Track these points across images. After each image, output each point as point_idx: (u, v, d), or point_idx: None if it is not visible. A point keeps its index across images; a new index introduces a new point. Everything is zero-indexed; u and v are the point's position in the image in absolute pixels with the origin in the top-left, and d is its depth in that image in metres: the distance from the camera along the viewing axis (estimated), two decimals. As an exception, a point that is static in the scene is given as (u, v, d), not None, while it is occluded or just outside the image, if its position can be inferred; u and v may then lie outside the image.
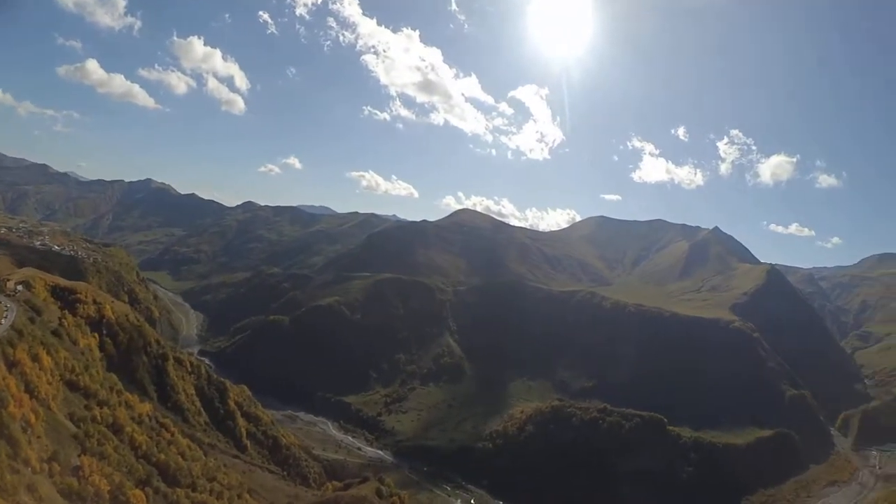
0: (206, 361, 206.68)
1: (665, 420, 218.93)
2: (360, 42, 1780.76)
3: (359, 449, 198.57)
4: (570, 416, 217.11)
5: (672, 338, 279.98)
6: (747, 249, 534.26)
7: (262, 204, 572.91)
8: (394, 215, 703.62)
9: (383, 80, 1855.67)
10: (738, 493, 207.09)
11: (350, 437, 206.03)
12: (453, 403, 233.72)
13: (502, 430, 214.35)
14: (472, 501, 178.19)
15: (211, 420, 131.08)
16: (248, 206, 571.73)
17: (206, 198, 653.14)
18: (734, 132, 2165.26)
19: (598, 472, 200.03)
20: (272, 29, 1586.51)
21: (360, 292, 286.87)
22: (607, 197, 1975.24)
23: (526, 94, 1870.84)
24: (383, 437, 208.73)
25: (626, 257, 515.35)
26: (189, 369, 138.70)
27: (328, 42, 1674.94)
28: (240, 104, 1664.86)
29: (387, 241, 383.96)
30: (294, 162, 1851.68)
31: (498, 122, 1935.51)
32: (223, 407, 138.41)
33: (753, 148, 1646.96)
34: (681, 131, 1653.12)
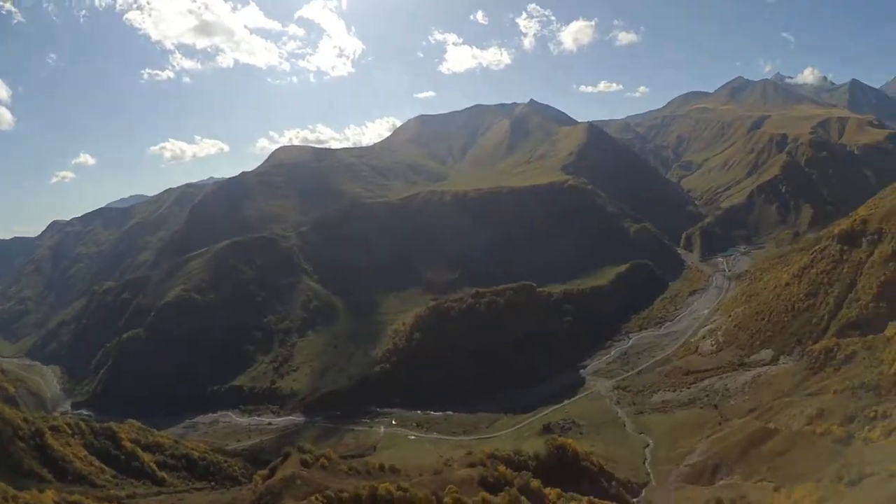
0: (84, 412, 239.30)
1: (534, 284, 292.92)
2: (119, 1, 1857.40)
3: (269, 424, 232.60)
4: (448, 310, 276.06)
5: (516, 210, 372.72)
6: (564, 113, 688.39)
7: (69, 218, 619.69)
8: (210, 178, 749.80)
9: (154, 35, 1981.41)
10: (616, 324, 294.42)
11: (256, 418, 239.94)
12: (337, 342, 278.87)
13: (392, 347, 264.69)
14: (392, 422, 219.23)
15: (117, 471, 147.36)
16: (55, 227, 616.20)
17: (6, 237, 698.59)
18: (531, 6, 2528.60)
19: (489, 351, 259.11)
20: (18, 18, 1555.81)
21: (203, 271, 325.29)
22: (421, 95, 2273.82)
23: (314, 10, 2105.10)
24: (286, 402, 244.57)
25: (454, 149, 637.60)
26: (70, 432, 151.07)
27: (83, 12, 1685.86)
28: (7, 117, 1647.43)
29: (210, 207, 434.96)
30: (86, 159, 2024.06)
31: (291, 46, 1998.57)
32: (121, 452, 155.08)
33: (552, 18, 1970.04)
34: (479, 15, 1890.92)
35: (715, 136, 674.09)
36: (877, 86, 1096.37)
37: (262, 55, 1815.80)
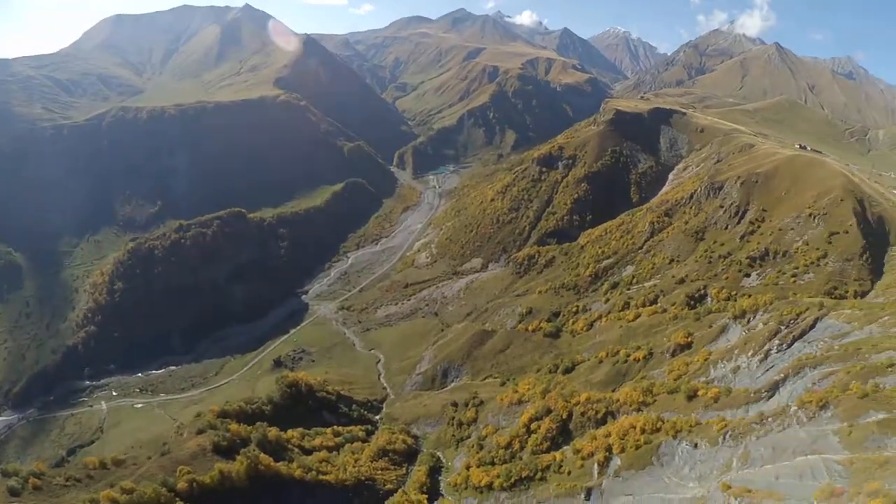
0: None
1: (244, 211, 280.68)
2: None
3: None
4: (151, 250, 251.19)
5: (224, 128, 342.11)
6: (282, 23, 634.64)
7: None
8: None
9: None
10: (335, 245, 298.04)
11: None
12: (30, 311, 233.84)
13: (94, 304, 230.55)
14: (113, 393, 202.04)
15: None
16: None
17: None
18: None
19: (204, 289, 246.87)
20: None
21: None
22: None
23: None
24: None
25: (154, 56, 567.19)
26: None
27: None
28: None
29: None
30: None
31: None
32: None
33: None
34: None
35: (432, 62, 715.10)
36: (586, 37, 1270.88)
37: None
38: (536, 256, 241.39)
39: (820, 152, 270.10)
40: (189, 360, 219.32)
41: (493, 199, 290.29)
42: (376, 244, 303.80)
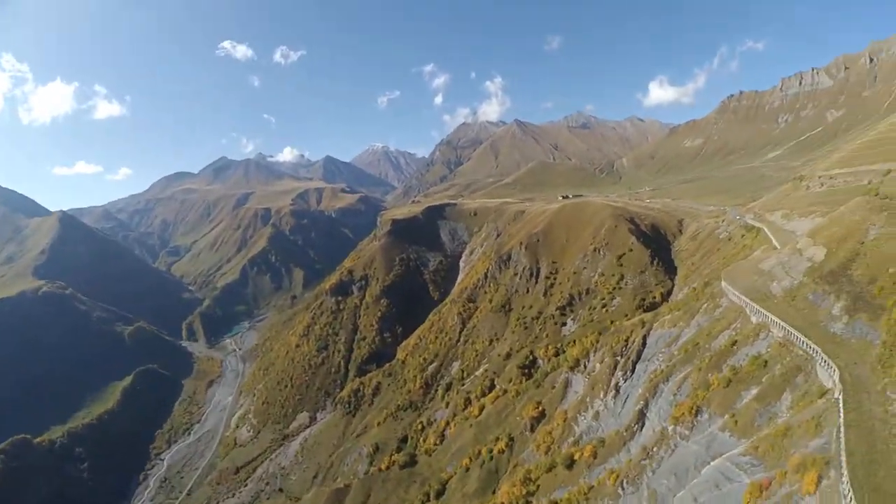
0: None
1: (28, 437, 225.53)
2: None
3: None
4: None
5: None
6: (34, 201, 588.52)
7: None
8: None
9: None
10: (143, 448, 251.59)
11: None
12: None
13: None
14: None
15: None
16: None
17: None
18: (5, 57, 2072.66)
19: None
20: None
21: None
22: None
23: None
24: None
25: None
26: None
27: None
28: None
29: None
30: None
31: None
32: None
33: (29, 76, 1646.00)
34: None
35: (201, 217, 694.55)
36: (347, 160, 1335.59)
37: None
38: (362, 389, 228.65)
39: (582, 195, 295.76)
40: None
41: (298, 345, 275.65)
42: (189, 434, 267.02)
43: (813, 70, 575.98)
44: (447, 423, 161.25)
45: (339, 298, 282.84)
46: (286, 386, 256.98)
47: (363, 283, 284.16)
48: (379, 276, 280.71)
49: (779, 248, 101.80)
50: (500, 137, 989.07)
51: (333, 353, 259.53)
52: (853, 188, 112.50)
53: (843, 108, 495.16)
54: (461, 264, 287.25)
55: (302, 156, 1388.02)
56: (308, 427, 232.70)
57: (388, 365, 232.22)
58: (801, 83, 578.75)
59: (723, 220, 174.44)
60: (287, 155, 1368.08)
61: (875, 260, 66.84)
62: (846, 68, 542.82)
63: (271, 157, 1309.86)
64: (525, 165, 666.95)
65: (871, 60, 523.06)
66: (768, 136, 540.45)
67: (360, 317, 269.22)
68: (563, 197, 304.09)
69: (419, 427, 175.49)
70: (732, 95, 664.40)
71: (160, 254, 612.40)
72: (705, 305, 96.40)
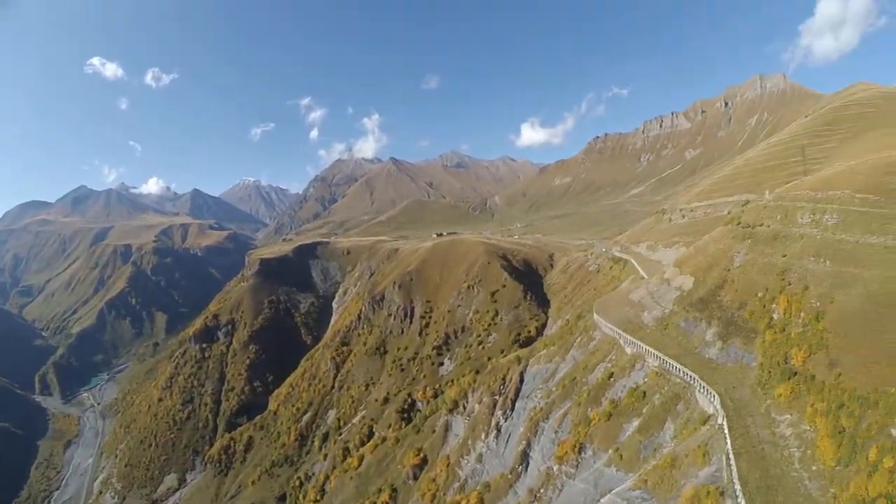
0: None
1: None
2: None
3: None
4: None
5: None
6: None
7: None
8: None
9: None
10: None
11: None
12: None
13: None
14: None
15: None
16: None
17: None
18: None
19: None
20: None
21: None
22: None
23: None
24: None
25: None
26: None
27: None
28: None
29: None
30: None
31: None
32: None
33: None
34: None
35: (56, 253, 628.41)
36: (216, 194, 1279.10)
37: None
38: (233, 444, 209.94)
39: (456, 233, 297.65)
40: None
41: (161, 399, 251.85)
42: (49, 503, 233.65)
43: (672, 114, 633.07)
44: (327, 477, 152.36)
45: (204, 346, 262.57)
46: (150, 445, 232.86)
47: (230, 328, 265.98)
48: (247, 320, 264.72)
49: (646, 277, 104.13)
50: (375, 175, 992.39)
51: (200, 406, 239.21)
52: (713, 219, 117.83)
53: (700, 147, 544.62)
54: (334, 305, 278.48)
55: (168, 188, 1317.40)
56: (178, 490, 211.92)
57: (259, 417, 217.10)
58: (661, 125, 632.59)
59: (591, 253, 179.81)
60: (152, 186, 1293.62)
61: (743, 286, 68.49)
62: (703, 112, 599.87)
63: (135, 188, 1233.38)
64: (401, 203, 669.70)
65: (727, 104, 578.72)
66: (632, 174, 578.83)
67: (227, 365, 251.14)
68: (438, 234, 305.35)
69: (297, 483, 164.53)
70: (598, 137, 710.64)
71: (11, 294, 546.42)
72: (579, 339, 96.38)
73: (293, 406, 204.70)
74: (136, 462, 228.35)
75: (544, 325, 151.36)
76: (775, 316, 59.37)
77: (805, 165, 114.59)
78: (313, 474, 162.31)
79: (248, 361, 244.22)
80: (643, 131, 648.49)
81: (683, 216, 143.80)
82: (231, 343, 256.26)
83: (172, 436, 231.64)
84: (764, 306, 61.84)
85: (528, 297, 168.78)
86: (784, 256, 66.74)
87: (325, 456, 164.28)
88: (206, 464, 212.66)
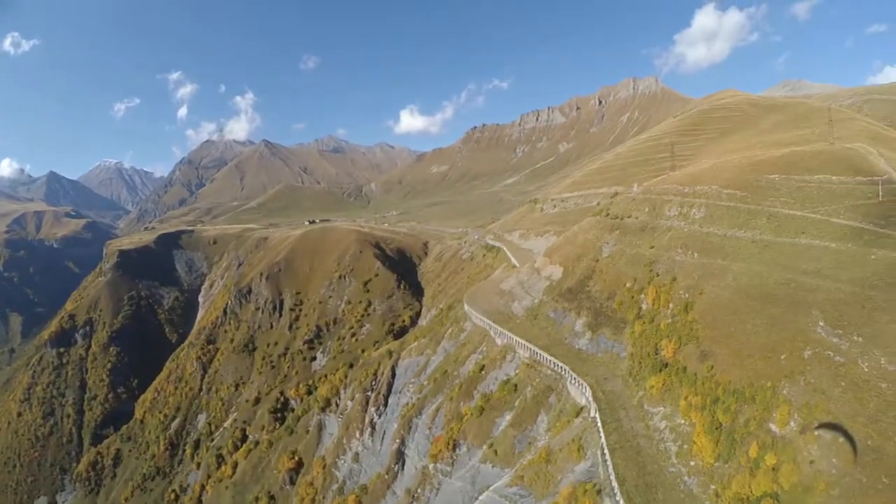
0: None
1: None
2: None
3: None
4: None
5: None
6: None
7: None
8: None
9: None
10: None
11: None
12: None
13: None
14: None
15: None
16: None
17: None
18: None
19: None
20: None
21: None
22: None
23: None
24: None
25: None
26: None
27: None
28: None
29: None
30: None
31: None
32: None
33: None
34: None
35: None
36: (75, 177, 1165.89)
37: None
38: (100, 459, 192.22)
39: (329, 220, 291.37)
40: None
41: (20, 413, 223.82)
42: None
43: (549, 108, 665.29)
44: (202, 487, 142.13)
45: (61, 350, 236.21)
46: (14, 466, 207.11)
47: (88, 329, 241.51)
48: (106, 319, 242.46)
49: (518, 266, 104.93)
50: (247, 158, 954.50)
51: (63, 418, 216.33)
52: (584, 209, 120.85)
53: (573, 141, 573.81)
54: (200, 300, 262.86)
55: (22, 170, 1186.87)
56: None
57: (125, 426, 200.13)
58: (537, 119, 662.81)
59: (465, 241, 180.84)
60: (5, 169, 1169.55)
61: (611, 276, 69.49)
62: (578, 108, 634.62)
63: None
64: (273, 188, 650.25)
65: (601, 102, 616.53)
66: (507, 164, 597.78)
67: (87, 371, 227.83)
68: (310, 222, 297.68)
69: (172, 497, 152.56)
70: (476, 127, 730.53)
71: None
72: (451, 330, 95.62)
73: (160, 412, 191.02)
74: (3, 486, 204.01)
75: (419, 314, 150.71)
76: (644, 306, 60.34)
77: (673, 161, 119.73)
78: (188, 486, 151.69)
79: (109, 365, 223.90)
80: (520, 124, 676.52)
81: (555, 206, 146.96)
82: (90, 346, 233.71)
83: (37, 454, 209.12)
84: (633, 297, 62.83)
85: (402, 286, 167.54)
86: (652, 248, 68.06)
87: (199, 465, 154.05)
88: (74, 483, 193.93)
